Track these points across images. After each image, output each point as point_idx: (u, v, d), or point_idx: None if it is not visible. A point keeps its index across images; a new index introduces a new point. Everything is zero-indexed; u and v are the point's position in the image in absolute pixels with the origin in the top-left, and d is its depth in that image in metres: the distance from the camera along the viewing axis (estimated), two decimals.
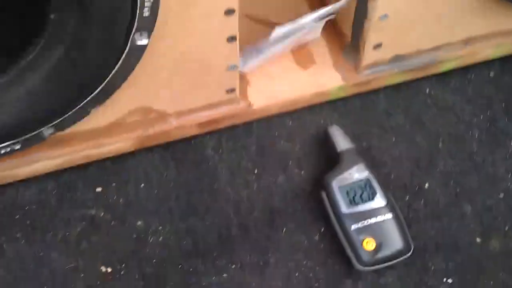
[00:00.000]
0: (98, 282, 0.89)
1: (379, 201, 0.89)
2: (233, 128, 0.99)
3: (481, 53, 1.02)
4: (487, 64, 1.06)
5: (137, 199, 0.94)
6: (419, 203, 0.95)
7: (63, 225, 0.92)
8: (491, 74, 1.06)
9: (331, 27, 1.02)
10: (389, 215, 0.88)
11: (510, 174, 0.98)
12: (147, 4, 0.72)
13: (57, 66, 0.76)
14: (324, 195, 0.91)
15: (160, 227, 0.93)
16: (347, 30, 0.98)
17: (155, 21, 0.74)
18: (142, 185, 0.95)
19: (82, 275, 0.89)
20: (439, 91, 1.04)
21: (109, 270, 0.90)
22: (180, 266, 0.90)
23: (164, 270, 0.90)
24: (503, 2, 0.92)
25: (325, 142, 0.97)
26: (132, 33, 0.74)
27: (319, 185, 0.93)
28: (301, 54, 1.01)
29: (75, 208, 0.93)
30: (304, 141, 0.99)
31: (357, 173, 0.91)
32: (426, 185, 0.97)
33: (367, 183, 0.90)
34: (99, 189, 0.95)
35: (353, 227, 0.88)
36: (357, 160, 0.92)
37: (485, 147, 1.00)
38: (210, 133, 0.98)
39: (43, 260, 0.90)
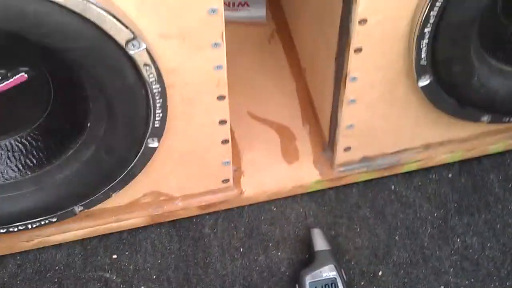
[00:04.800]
0: None
1: None
2: (228, 210, 1.18)
3: (438, 157, 1.20)
4: (447, 165, 1.23)
5: (144, 266, 1.13)
6: None
7: (82, 285, 1.11)
8: (450, 175, 1.23)
9: (316, 129, 1.22)
10: None
11: (452, 269, 1.12)
12: (157, 118, 0.94)
13: (89, 160, 0.97)
14: (297, 287, 1.08)
15: None
16: (326, 133, 1.18)
17: (164, 130, 0.96)
18: (150, 255, 1.14)
19: None
20: (403, 188, 1.21)
21: None
22: None
23: None
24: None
25: (308, 239, 1.13)
26: (146, 138, 0.96)
27: (291, 266, 1.10)
28: (288, 150, 1.21)
29: (95, 271, 1.13)
30: (283, 227, 1.16)
31: (327, 272, 1.06)
32: (380, 273, 1.12)
33: (333, 281, 1.06)
34: (115, 256, 1.14)
35: None
36: (329, 261, 1.08)
37: (434, 242, 1.15)
38: (209, 213, 1.18)
39: None
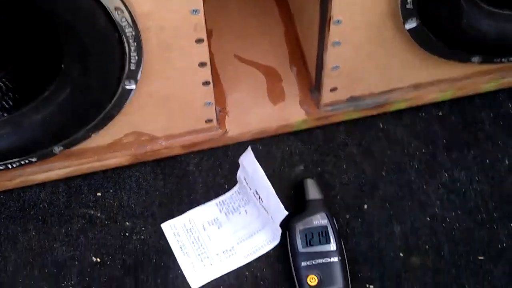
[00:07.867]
0: (89, 269, 1.09)
1: (330, 246, 1.04)
2: (213, 149, 1.17)
3: (427, 97, 1.17)
4: (438, 104, 1.20)
5: (128, 203, 1.14)
6: (356, 221, 1.11)
7: (67, 221, 1.12)
8: (440, 113, 1.21)
9: (303, 71, 1.19)
10: (335, 259, 1.03)
11: (438, 201, 1.12)
12: (133, 60, 0.92)
13: (65, 101, 0.96)
14: (287, 234, 1.07)
15: (143, 228, 1.12)
16: (313, 74, 1.15)
17: (140, 72, 0.94)
18: (134, 192, 1.15)
19: (77, 263, 1.09)
20: (391, 126, 1.19)
21: (98, 260, 1.09)
22: (153, 261, 1.09)
23: (141, 262, 1.09)
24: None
25: (292, 178, 1.14)
26: (122, 80, 0.94)
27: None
28: (274, 91, 1.19)
29: (78, 208, 1.13)
30: (269, 165, 1.15)
31: (318, 220, 1.05)
32: (365, 206, 1.12)
33: (324, 229, 1.05)
34: (99, 194, 1.15)
35: (303, 264, 1.03)
36: (321, 210, 1.06)
37: (422, 177, 1.14)
38: (194, 152, 1.17)
39: (47, 248, 1.10)
